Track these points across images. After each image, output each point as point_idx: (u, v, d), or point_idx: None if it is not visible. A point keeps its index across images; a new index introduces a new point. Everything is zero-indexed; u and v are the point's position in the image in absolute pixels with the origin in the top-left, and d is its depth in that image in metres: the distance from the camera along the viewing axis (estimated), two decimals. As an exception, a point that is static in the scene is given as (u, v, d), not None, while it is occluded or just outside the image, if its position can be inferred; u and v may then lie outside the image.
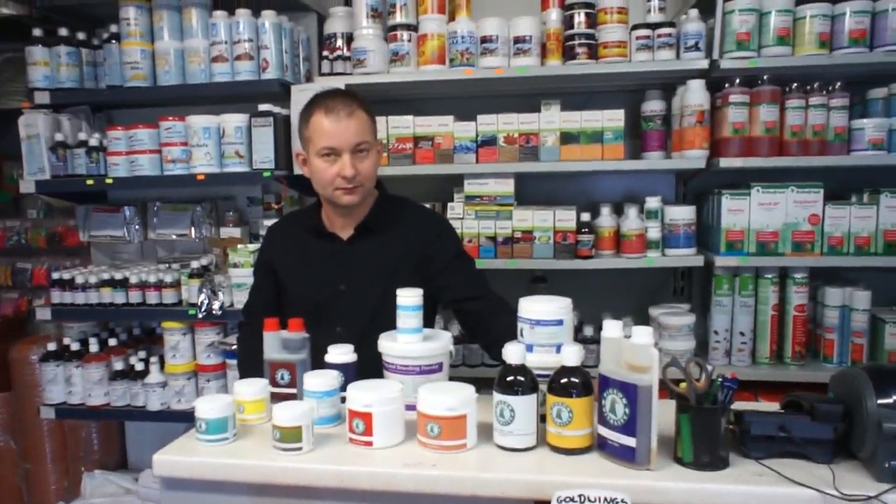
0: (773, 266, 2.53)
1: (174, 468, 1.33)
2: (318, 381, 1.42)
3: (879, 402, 1.18)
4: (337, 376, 1.46)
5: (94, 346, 2.74)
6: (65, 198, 2.98)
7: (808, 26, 2.37)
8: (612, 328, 1.28)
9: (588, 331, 2.60)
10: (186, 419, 2.62)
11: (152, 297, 2.63)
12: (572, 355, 1.29)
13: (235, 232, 2.85)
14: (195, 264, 2.63)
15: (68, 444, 3.12)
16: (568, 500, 1.08)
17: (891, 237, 2.45)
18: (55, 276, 2.73)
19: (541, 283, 2.87)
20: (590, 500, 1.07)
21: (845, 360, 2.52)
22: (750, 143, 2.45)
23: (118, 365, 2.71)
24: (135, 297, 2.64)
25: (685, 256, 2.58)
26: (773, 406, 1.45)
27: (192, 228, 2.91)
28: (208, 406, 1.35)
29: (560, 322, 1.38)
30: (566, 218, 2.58)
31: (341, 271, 1.86)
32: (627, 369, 1.23)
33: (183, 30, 2.61)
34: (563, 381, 1.28)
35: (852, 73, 2.48)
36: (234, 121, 2.53)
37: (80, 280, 2.66)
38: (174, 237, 2.95)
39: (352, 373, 1.52)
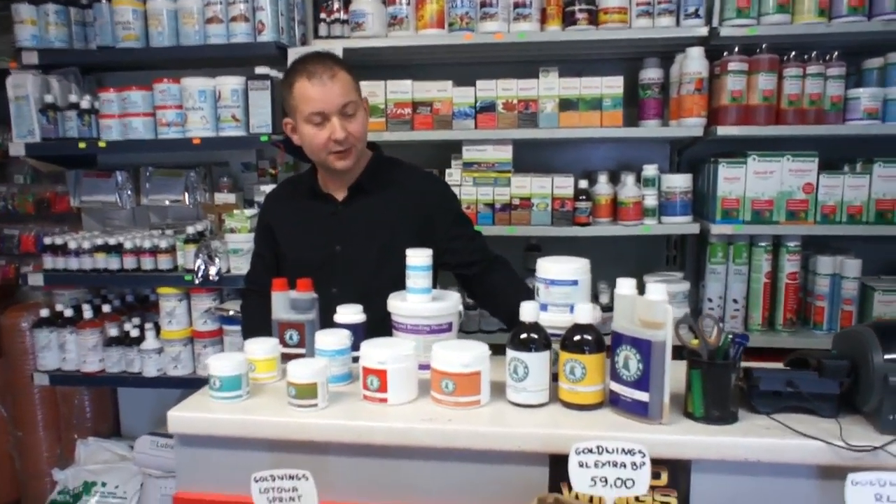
0: (767, 234, 2.57)
1: (190, 425, 1.33)
2: (330, 339, 1.42)
3: (886, 357, 1.21)
4: (348, 335, 1.46)
5: (87, 313, 2.71)
6: (54, 162, 2.93)
7: (807, -7, 2.38)
8: (625, 286, 1.30)
9: (584, 297, 2.61)
10: (183, 385, 2.65)
11: (147, 263, 2.60)
12: (585, 313, 1.31)
13: (230, 198, 2.82)
14: (191, 230, 2.60)
15: (61, 412, 3.09)
16: (586, 451, 1.10)
17: (883, 206, 2.49)
18: (47, 241, 2.69)
19: (535, 251, 2.88)
20: (608, 451, 1.09)
21: (835, 327, 2.58)
22: (747, 112, 2.47)
23: (113, 331, 2.69)
24: (129, 262, 2.61)
25: (681, 224, 2.61)
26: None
27: (186, 194, 2.88)
28: (222, 364, 1.35)
29: (575, 282, 1.39)
30: (564, 185, 2.59)
31: (337, 232, 1.86)
32: (641, 326, 1.25)
33: (176, -11, 2.55)
34: (577, 338, 1.30)
35: (850, 41, 2.50)
36: (230, 83, 2.49)
37: (72, 245, 2.63)
38: (167, 203, 2.92)
39: (361, 332, 1.52)
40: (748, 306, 2.63)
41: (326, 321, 1.55)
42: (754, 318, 2.61)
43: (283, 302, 1.58)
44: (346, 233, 1.86)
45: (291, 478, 1.14)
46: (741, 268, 2.61)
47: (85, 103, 2.59)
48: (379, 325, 1.53)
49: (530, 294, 1.49)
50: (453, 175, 2.65)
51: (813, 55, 2.46)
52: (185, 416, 1.33)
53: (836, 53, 2.47)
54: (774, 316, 2.62)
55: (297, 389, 1.30)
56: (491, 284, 1.85)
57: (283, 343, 1.56)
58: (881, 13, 2.35)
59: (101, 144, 2.58)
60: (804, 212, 2.51)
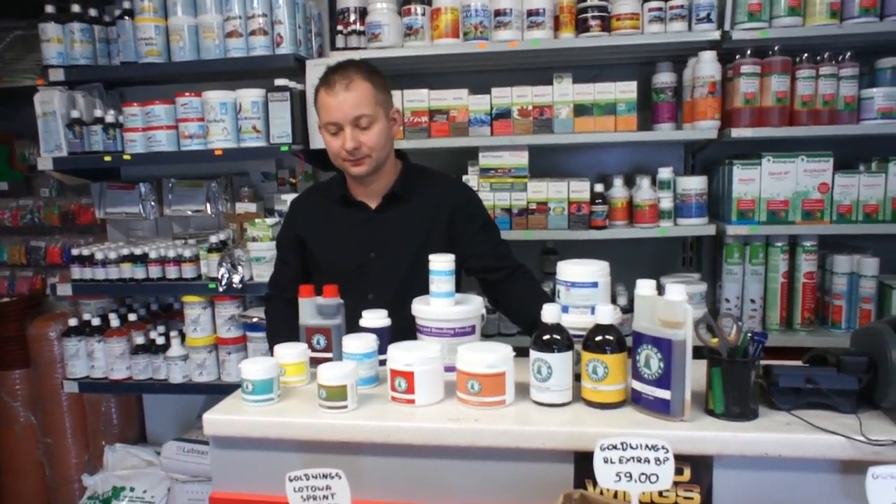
0: (783, 234, 2.59)
1: (224, 427, 1.37)
2: (357, 343, 1.47)
3: (904, 353, 1.24)
4: (374, 339, 1.50)
5: (114, 322, 2.77)
6: (78, 175, 2.99)
7: (819, -4, 2.40)
8: (645, 287, 1.33)
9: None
10: (208, 391, 2.71)
11: (172, 272, 2.66)
12: (606, 314, 1.34)
13: (251, 207, 2.88)
14: (214, 239, 2.66)
15: (88, 419, 3.16)
16: (611, 447, 1.13)
17: (899, 204, 2.50)
18: (74, 252, 2.75)
19: (552, 255, 2.91)
20: (632, 447, 1.12)
21: (853, 326, 2.58)
22: (761, 114, 2.49)
23: (139, 339, 2.75)
24: (154, 272, 2.67)
25: (697, 226, 2.63)
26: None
27: (208, 204, 2.93)
28: (255, 368, 1.39)
29: (595, 284, 1.42)
30: (580, 189, 2.62)
31: (371, 239, 1.91)
32: (661, 325, 1.28)
33: (196, 5, 2.61)
34: (598, 338, 1.33)
35: (862, 42, 2.51)
36: (250, 96, 2.55)
37: (99, 256, 2.69)
38: (189, 213, 2.98)
39: (386, 337, 1.56)
40: (766, 306, 2.64)
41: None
42: (772, 318, 2.63)
43: (310, 308, 1.63)
44: (380, 240, 1.91)
45: (325, 476, 1.17)
46: (758, 268, 2.63)
47: (110, 118, 2.66)
48: (412, 328, 1.57)
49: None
50: (470, 181, 2.68)
51: (825, 56, 2.48)
52: (220, 418, 1.38)
53: (848, 54, 2.48)
54: (792, 315, 2.64)
55: (327, 392, 1.34)
56: (513, 292, 1.89)
57: (311, 347, 1.60)
58: (894, 13, 2.36)
59: (127, 157, 2.64)
60: (820, 211, 2.53)
